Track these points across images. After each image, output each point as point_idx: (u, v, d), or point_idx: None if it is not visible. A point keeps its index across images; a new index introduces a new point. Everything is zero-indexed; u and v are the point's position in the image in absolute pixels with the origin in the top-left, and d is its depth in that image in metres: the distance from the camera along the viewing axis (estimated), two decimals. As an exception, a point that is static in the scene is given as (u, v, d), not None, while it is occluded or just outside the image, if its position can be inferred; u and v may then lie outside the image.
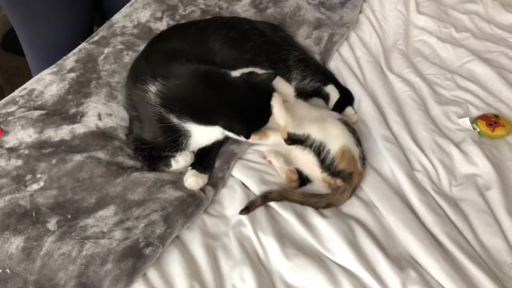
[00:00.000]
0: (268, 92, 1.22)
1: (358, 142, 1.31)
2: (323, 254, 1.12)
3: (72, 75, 1.52)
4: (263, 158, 1.34)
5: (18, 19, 1.73)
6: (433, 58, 1.72)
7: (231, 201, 1.23)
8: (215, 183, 1.27)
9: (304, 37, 1.73)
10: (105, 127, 1.37)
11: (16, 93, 1.47)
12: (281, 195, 1.23)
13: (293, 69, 1.52)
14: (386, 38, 1.82)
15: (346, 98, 1.53)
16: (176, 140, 1.22)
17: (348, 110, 1.50)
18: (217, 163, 1.32)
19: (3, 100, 1.46)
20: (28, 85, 1.49)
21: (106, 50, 1.61)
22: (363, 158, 1.31)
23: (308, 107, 1.41)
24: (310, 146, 1.25)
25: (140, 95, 1.23)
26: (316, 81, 1.55)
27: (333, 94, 1.54)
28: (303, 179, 1.31)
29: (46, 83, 1.49)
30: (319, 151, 1.24)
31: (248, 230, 1.16)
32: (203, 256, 1.09)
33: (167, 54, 1.34)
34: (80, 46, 1.64)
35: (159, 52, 1.39)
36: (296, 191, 1.26)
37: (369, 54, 1.71)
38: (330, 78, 1.59)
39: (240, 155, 1.35)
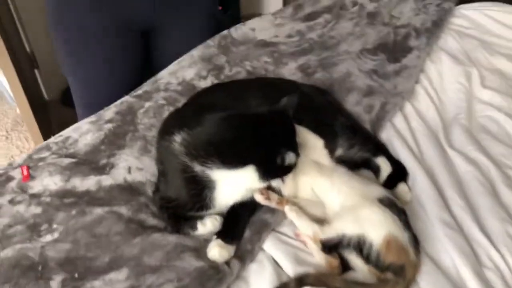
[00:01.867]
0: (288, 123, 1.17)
1: (407, 225, 1.15)
2: None
3: (109, 125, 1.53)
4: (296, 236, 1.21)
5: (70, 71, 1.83)
6: (501, 136, 1.57)
7: (259, 279, 1.09)
8: (243, 256, 1.15)
9: (353, 104, 1.67)
10: (133, 181, 1.33)
11: (52, 139, 1.49)
12: (320, 280, 1.08)
13: (340, 135, 1.43)
14: (445, 111, 1.71)
15: (399, 173, 1.40)
16: (199, 194, 1.13)
17: (401, 186, 1.35)
18: (247, 234, 1.20)
19: (38, 146, 1.48)
20: (66, 132, 1.52)
21: (147, 104, 1.63)
22: (416, 243, 1.14)
23: (348, 174, 1.29)
24: (347, 246, 1.11)
25: (165, 145, 1.18)
26: (365, 150, 1.45)
27: (384, 167, 1.42)
28: (346, 263, 1.16)
29: (83, 132, 1.50)
30: (359, 248, 1.10)
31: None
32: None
33: (201, 107, 1.31)
34: (122, 99, 1.67)
35: (192, 105, 1.37)
36: (338, 277, 1.10)
37: (426, 126, 1.60)
38: (382, 149, 1.48)
39: (274, 226, 1.24)
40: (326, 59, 1.91)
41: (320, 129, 1.36)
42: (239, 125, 1.14)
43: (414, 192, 1.34)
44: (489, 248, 1.16)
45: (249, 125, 1.14)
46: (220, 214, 1.22)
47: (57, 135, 1.51)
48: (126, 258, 1.10)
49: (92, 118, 1.56)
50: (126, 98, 1.69)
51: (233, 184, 1.14)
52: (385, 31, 2.08)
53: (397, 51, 1.96)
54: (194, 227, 1.19)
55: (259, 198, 1.23)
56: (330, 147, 1.36)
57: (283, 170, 1.16)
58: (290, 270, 1.11)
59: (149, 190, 1.33)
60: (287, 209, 1.22)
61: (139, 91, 1.71)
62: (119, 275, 1.06)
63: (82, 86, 1.79)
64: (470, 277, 1.08)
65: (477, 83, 1.80)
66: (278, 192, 1.27)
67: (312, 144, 1.34)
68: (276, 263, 1.15)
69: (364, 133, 1.52)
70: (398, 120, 1.63)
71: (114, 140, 1.48)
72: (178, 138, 1.16)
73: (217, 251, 1.11)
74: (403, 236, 1.12)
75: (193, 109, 1.34)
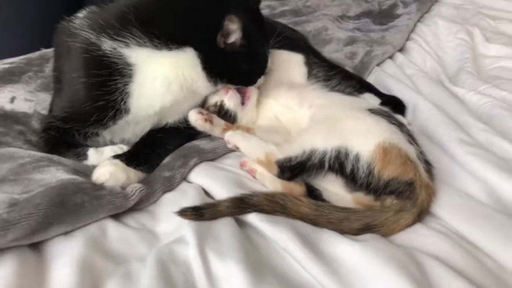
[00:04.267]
0: None
1: (412, 139, 0.79)
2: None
3: (6, 66, 1.20)
4: (241, 167, 0.83)
5: None
6: (522, 80, 1.26)
7: (171, 212, 0.68)
8: (153, 183, 0.75)
9: (331, 52, 1.37)
10: (13, 110, 0.98)
11: None
12: (274, 203, 0.68)
13: (316, 66, 1.12)
14: (446, 66, 1.42)
15: (393, 105, 1.05)
16: (108, 88, 0.77)
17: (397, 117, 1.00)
18: (167, 159, 0.82)
19: None
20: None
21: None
22: (428, 164, 0.77)
23: (325, 91, 0.96)
24: (321, 166, 0.73)
25: (62, 29, 0.86)
26: (346, 85, 1.12)
27: (372, 102, 1.07)
28: (315, 193, 0.76)
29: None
30: (340, 164, 0.72)
31: (189, 250, 0.59)
32: (73, 283, 0.52)
33: None
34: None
35: None
36: (305, 199, 0.70)
37: (424, 73, 1.29)
38: (367, 86, 1.16)
39: (211, 155, 0.85)
40: (298, 21, 1.66)
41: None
42: None
43: (420, 122, 0.99)
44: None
45: None
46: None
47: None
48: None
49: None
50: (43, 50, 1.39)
51: (160, 75, 0.79)
52: (368, 4, 1.86)
53: (383, 17, 1.72)
54: (82, 155, 0.81)
55: (194, 118, 0.87)
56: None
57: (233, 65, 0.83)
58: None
59: (34, 122, 0.94)
60: (228, 134, 0.85)
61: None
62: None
63: None
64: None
65: (480, 39, 1.54)
66: (232, 119, 0.92)
67: (288, 61, 1.05)
68: (208, 195, 0.75)
69: (345, 70, 1.20)
70: (390, 67, 1.33)
71: (5, 76, 1.15)
72: (80, 14, 0.85)
73: (107, 170, 0.72)
74: (407, 148, 0.75)
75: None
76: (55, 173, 0.68)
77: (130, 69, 0.77)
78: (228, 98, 0.91)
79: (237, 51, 0.82)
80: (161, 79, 0.79)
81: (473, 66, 1.38)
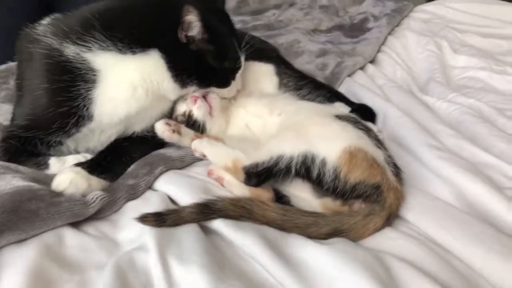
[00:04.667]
0: None
1: (380, 144, 0.79)
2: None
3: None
4: (208, 175, 0.81)
5: None
6: (489, 88, 1.29)
7: (133, 220, 0.65)
8: (116, 191, 0.73)
9: (303, 63, 1.38)
10: None
11: None
12: (239, 207, 0.66)
13: (286, 76, 1.12)
14: (416, 76, 1.45)
15: (363, 113, 1.06)
16: (70, 94, 0.75)
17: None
18: (132, 167, 0.80)
19: None
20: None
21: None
22: (396, 168, 0.77)
23: (296, 99, 0.96)
24: (288, 172, 0.73)
25: (24, 35, 0.84)
26: (317, 95, 1.13)
27: (342, 110, 1.08)
28: (284, 199, 0.75)
29: None
30: (306, 169, 0.72)
31: (149, 257, 0.56)
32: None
33: None
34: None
35: None
36: (272, 203, 0.69)
37: (395, 83, 1.32)
38: (338, 95, 1.17)
39: (178, 163, 0.84)
40: (271, 34, 1.67)
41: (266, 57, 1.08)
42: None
43: (389, 128, 1.00)
44: (507, 169, 0.79)
45: None
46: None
47: None
48: None
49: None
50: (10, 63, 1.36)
51: (125, 80, 0.77)
52: (340, 18, 1.90)
53: (354, 30, 1.76)
54: (43, 165, 0.78)
55: (162, 129, 0.85)
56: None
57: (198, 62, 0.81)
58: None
59: (-4, 132, 0.92)
60: (195, 142, 0.84)
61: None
62: None
63: None
64: (488, 194, 0.70)
65: (449, 51, 1.58)
66: (201, 129, 0.91)
67: (258, 71, 1.05)
68: (172, 202, 0.73)
69: (315, 80, 1.21)
70: (361, 77, 1.35)
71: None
72: (44, 21, 0.84)
73: (67, 178, 0.70)
74: (374, 152, 0.75)
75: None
76: (10, 180, 0.65)
77: (94, 75, 0.76)
78: (197, 107, 0.90)
79: (203, 47, 0.81)
80: (126, 84, 0.77)
81: (442, 76, 1.41)
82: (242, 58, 0.90)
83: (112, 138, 0.85)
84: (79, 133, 0.79)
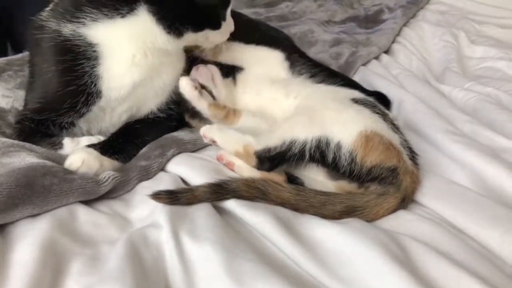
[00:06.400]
0: None
1: (396, 128, 0.79)
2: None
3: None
4: (218, 160, 0.81)
5: None
6: (507, 79, 1.27)
7: (145, 199, 0.66)
8: (128, 172, 0.74)
9: (316, 53, 1.38)
10: None
11: None
12: (254, 188, 0.66)
13: (299, 64, 1.12)
14: (432, 67, 1.44)
15: (378, 100, 1.05)
16: (76, 74, 0.77)
17: (382, 112, 1.00)
18: (144, 149, 0.81)
19: None
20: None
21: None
22: (412, 152, 0.76)
23: (311, 82, 0.96)
24: (302, 156, 0.73)
25: (33, 24, 0.85)
26: (331, 83, 1.11)
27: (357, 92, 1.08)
28: (297, 181, 0.75)
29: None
30: (321, 153, 0.72)
31: (161, 233, 0.57)
32: (34, 262, 0.50)
33: None
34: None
35: None
36: (286, 184, 0.69)
37: (410, 72, 1.31)
38: (352, 83, 1.16)
39: (190, 146, 0.84)
40: (284, 25, 1.67)
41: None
42: None
43: (405, 116, 0.99)
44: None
45: None
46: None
47: None
48: None
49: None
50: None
51: (122, 49, 0.78)
52: (354, 10, 1.89)
53: (369, 21, 1.74)
54: (58, 144, 0.80)
55: (185, 82, 0.86)
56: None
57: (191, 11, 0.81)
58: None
59: (11, 117, 0.94)
60: (204, 128, 0.84)
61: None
62: None
63: None
64: (506, 178, 0.69)
65: (466, 42, 1.56)
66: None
67: (267, 56, 1.04)
68: (185, 183, 0.73)
69: (329, 68, 1.21)
70: (376, 67, 1.34)
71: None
72: (47, 8, 0.85)
73: (80, 157, 0.71)
74: (390, 135, 0.74)
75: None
76: (24, 157, 0.67)
77: (94, 51, 0.77)
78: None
79: None
80: (124, 53, 0.78)
81: (459, 67, 1.40)
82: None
83: (123, 118, 0.86)
84: (90, 113, 0.80)
